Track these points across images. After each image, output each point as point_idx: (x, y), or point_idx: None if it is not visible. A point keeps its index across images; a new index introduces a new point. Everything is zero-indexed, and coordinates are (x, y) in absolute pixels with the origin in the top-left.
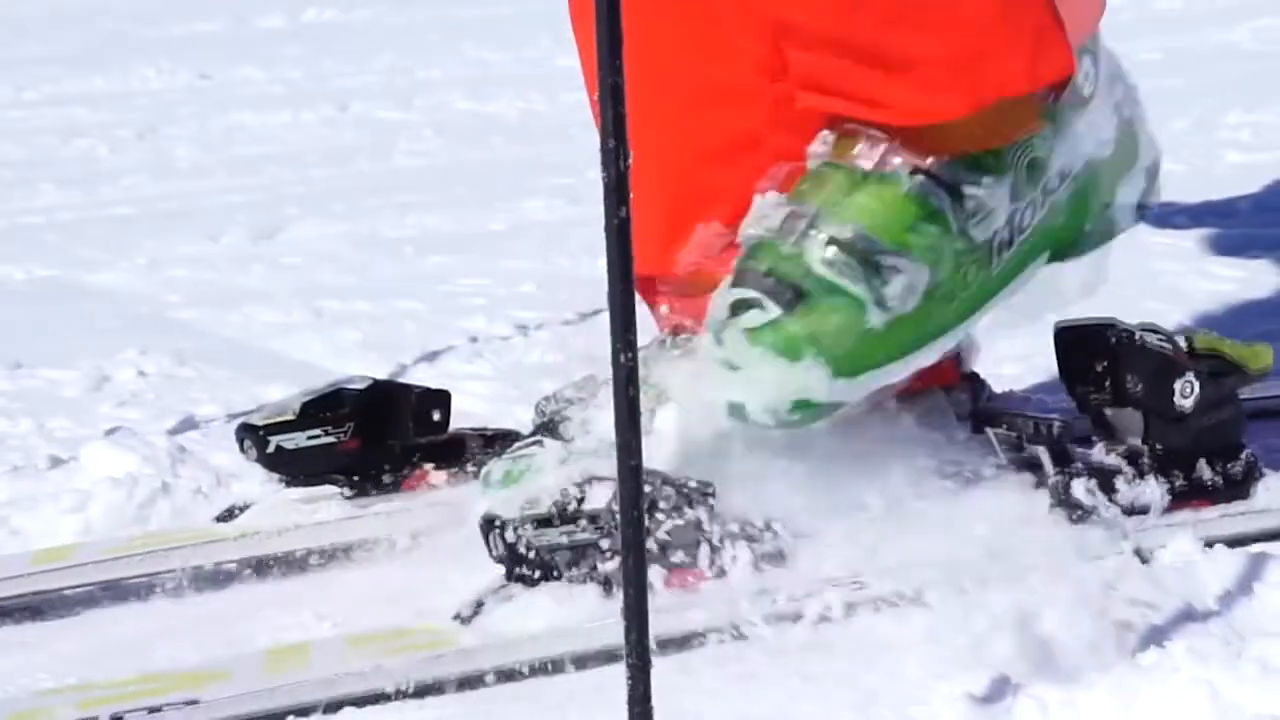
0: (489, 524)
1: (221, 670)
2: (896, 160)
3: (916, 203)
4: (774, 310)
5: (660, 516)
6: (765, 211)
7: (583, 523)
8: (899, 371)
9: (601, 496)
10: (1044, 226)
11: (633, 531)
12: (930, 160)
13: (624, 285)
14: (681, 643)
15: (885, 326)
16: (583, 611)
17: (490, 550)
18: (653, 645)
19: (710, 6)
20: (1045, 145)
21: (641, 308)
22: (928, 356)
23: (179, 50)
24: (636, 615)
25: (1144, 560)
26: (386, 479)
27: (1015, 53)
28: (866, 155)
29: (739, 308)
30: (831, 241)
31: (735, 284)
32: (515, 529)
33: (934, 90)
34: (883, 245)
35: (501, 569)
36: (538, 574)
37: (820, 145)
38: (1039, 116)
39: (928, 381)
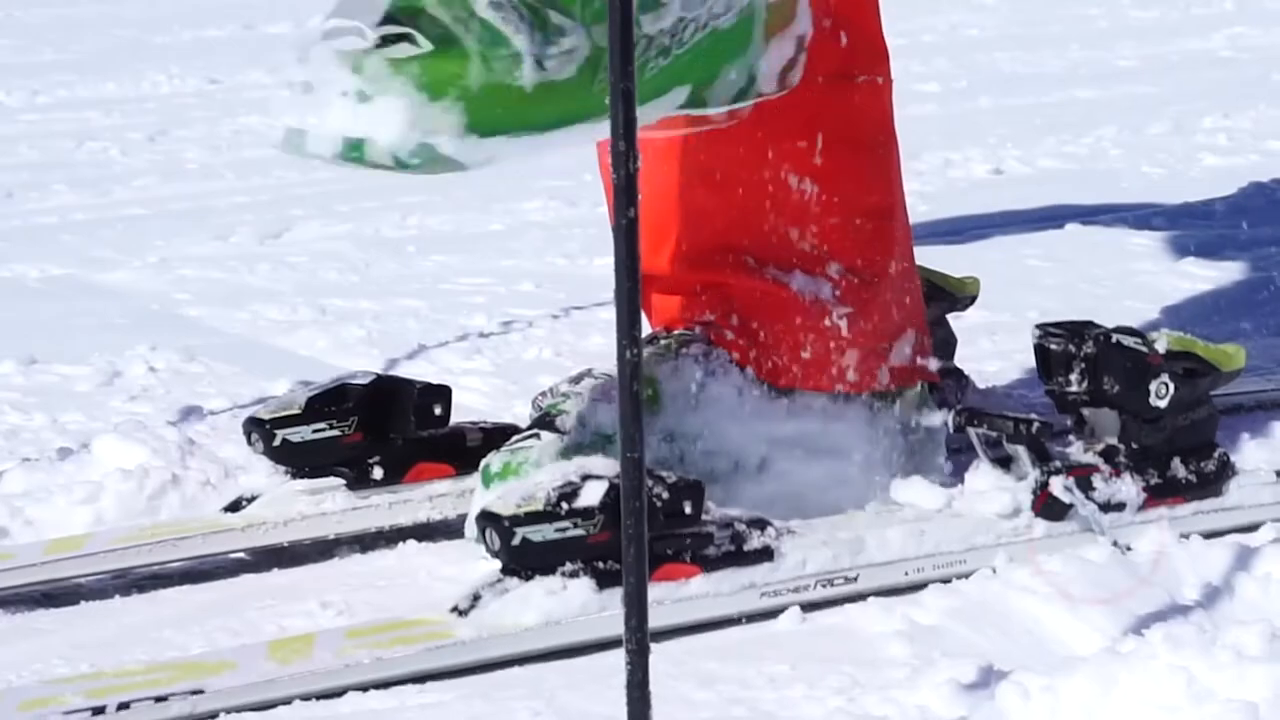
0: (485, 520)
1: (226, 660)
2: None
3: None
4: (426, 46)
5: (650, 512)
6: None
7: (576, 518)
8: (530, 147)
9: (595, 493)
10: (699, 50)
11: (634, 522)
12: None
13: (630, 283)
14: (674, 633)
15: (534, 89)
16: (576, 604)
17: (486, 545)
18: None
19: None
20: None
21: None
22: (561, 140)
23: (188, 56)
24: (636, 603)
25: (1122, 552)
26: (389, 471)
27: None
28: None
29: (390, 40)
30: None
31: (388, 20)
32: (510, 524)
33: None
34: (556, 1)
35: (498, 563)
36: (533, 568)
37: None
38: None
39: (912, 378)
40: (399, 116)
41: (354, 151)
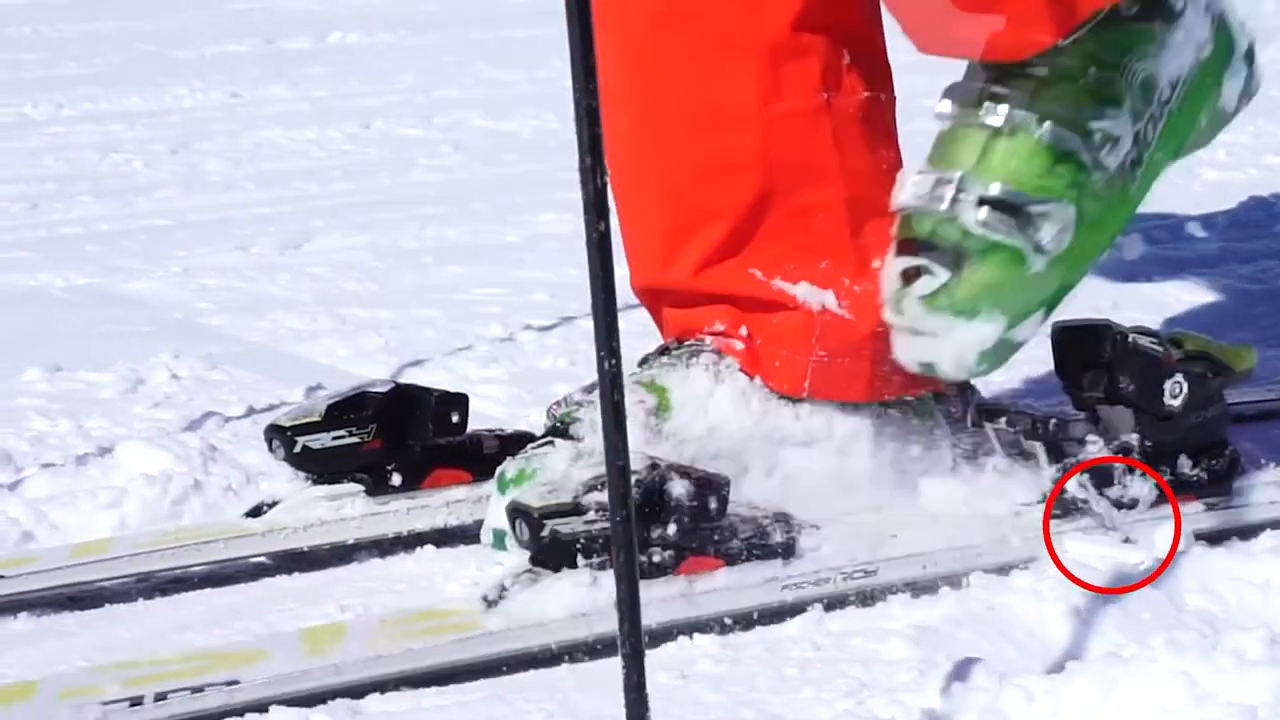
0: (514, 512)
1: (260, 649)
2: (1022, 113)
3: (1050, 149)
4: (942, 274)
5: (676, 506)
6: (910, 179)
7: (605, 511)
8: (1066, 296)
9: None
10: (1166, 134)
11: (622, 529)
12: (1054, 106)
13: (606, 295)
14: (684, 633)
15: (1047, 267)
16: (604, 597)
17: (516, 537)
18: (655, 630)
19: (710, 29)
20: (1151, 62)
21: (644, 315)
22: (1087, 274)
23: (210, 70)
24: (629, 608)
25: (1132, 544)
26: (407, 477)
27: None
28: (993, 112)
29: (909, 276)
30: (982, 202)
31: (900, 253)
32: (540, 516)
33: (1025, 23)
34: (1029, 196)
35: (525, 555)
36: (561, 561)
37: (946, 107)
38: (1139, 39)
39: (919, 387)
40: (951, 344)
41: (929, 370)
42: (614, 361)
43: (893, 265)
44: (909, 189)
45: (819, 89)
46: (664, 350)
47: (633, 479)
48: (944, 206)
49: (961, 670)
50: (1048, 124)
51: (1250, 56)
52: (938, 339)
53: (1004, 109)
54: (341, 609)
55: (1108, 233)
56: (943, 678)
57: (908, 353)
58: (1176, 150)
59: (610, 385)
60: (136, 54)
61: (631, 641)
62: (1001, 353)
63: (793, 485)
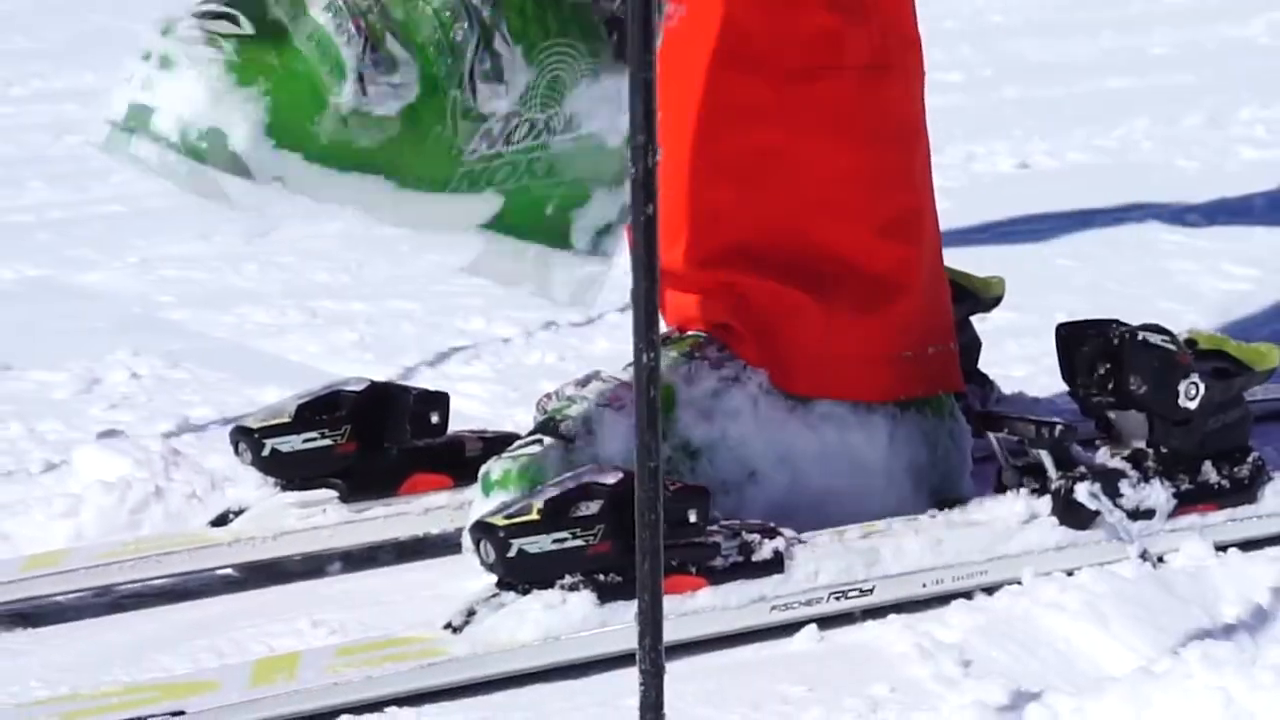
0: (479, 531)
1: (209, 681)
2: None
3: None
4: (247, 28)
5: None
6: None
7: (574, 529)
8: (321, 181)
9: (595, 501)
10: (523, 161)
11: (650, 534)
12: None
13: (648, 283)
14: (682, 650)
15: (347, 117)
16: (577, 618)
17: (481, 558)
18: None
19: (734, 25)
20: (576, 68)
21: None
22: (354, 191)
23: None
24: (651, 621)
25: (1154, 565)
26: (383, 483)
27: None
28: None
29: (212, 16)
30: None
31: None
32: (506, 535)
33: None
34: (402, 30)
35: (493, 577)
36: (529, 581)
37: None
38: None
39: (936, 388)
40: (199, 91)
41: (134, 120)
42: (653, 355)
43: (202, 5)
44: None
45: (847, 65)
46: (664, 340)
47: (607, 493)
48: None
49: (981, 688)
50: None
51: (623, 215)
52: (188, 79)
53: None
54: (313, 624)
55: (415, 172)
56: (962, 695)
57: (143, 92)
58: (514, 198)
59: (647, 381)
60: (90, 26)
61: (653, 658)
62: (226, 156)
63: (800, 490)
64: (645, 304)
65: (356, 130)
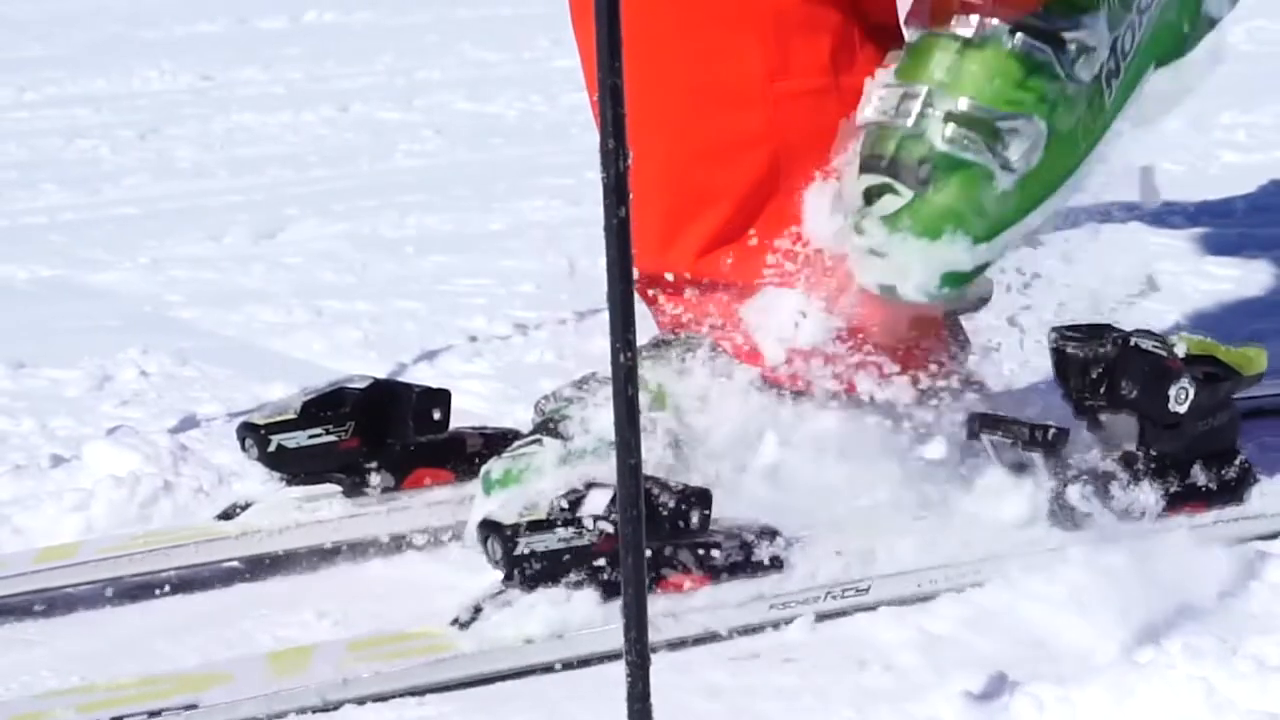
0: (486, 529)
1: (223, 673)
2: (993, 22)
3: (1021, 60)
4: (906, 193)
5: (656, 522)
6: (876, 94)
7: (580, 527)
8: (1036, 220)
9: (600, 500)
10: (1145, 43)
11: (632, 530)
12: (1025, 15)
13: (623, 285)
14: (680, 644)
15: (1015, 186)
16: (580, 615)
17: (487, 555)
18: (651, 644)
19: (711, 5)
20: None
21: (640, 306)
22: (1062, 199)
23: (180, 51)
24: (636, 613)
25: (1139, 560)
26: (387, 477)
27: None
28: (963, 23)
29: (872, 194)
30: (949, 118)
31: (864, 171)
32: (512, 534)
33: None
34: (998, 111)
35: (499, 573)
36: (535, 578)
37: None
38: None
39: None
40: (913, 266)
41: (889, 294)
42: (629, 355)
43: (856, 184)
44: (874, 104)
45: (829, 67)
46: (658, 343)
47: (610, 491)
48: (910, 123)
49: (969, 678)
50: (1019, 35)
51: None
52: (899, 261)
53: (975, 19)
54: (319, 615)
55: (1080, 150)
56: (950, 686)
57: (868, 275)
58: (1158, 60)
59: (624, 380)
60: (103, 34)
61: (638, 649)
62: (967, 277)
63: (792, 487)
64: (621, 305)
65: (1030, 183)
